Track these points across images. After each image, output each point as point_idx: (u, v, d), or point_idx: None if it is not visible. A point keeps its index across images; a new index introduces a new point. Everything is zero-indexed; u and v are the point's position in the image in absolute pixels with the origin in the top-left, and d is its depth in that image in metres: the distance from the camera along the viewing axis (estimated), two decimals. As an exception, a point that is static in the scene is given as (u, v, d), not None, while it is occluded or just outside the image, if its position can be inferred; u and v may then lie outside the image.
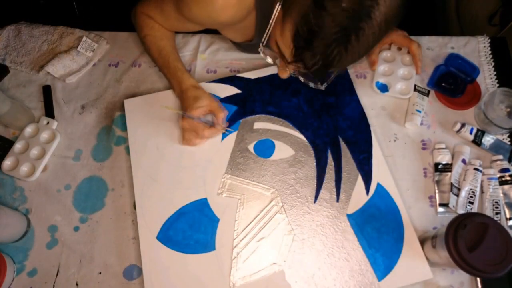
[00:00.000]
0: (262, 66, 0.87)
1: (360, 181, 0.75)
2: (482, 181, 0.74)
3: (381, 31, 0.50)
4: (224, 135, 0.79)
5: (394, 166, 0.77)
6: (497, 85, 0.84)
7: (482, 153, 0.78)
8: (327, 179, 0.75)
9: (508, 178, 0.74)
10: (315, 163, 0.77)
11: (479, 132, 0.77)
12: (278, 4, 0.57)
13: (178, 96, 0.81)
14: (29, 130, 0.82)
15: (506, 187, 0.73)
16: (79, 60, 0.89)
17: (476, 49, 0.89)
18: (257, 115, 0.81)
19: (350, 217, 0.72)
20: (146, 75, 0.88)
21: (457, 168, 0.74)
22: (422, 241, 0.69)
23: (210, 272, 0.68)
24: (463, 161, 0.75)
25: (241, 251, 0.70)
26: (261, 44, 0.65)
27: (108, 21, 0.87)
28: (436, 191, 0.74)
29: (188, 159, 0.77)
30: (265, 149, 0.78)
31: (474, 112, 0.82)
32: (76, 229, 0.74)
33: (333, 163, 0.76)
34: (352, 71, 0.86)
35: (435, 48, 0.89)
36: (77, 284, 0.70)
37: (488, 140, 0.77)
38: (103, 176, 0.78)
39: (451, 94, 0.82)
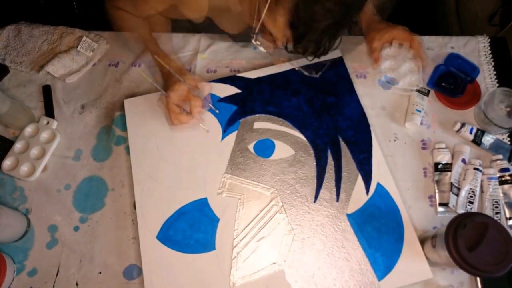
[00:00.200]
0: (262, 66, 0.87)
1: (360, 181, 0.75)
2: (482, 181, 0.74)
3: None
4: (224, 135, 0.79)
5: (394, 166, 0.77)
6: (497, 85, 0.84)
7: (482, 152, 0.78)
8: (327, 179, 0.75)
9: (508, 177, 0.74)
10: (315, 163, 0.77)
11: (479, 131, 0.77)
12: None
13: (163, 77, 0.84)
14: (29, 130, 0.82)
15: (506, 186, 0.73)
16: (79, 60, 0.89)
17: (476, 49, 0.89)
18: (257, 115, 0.81)
19: (350, 216, 0.72)
20: (146, 75, 0.88)
21: (457, 167, 0.74)
22: (422, 241, 0.69)
23: (210, 272, 0.68)
24: (463, 160, 0.75)
25: (241, 251, 0.70)
26: (253, 32, 0.65)
27: (108, 21, 0.87)
28: (436, 190, 0.74)
29: (188, 159, 0.77)
30: (265, 148, 0.78)
31: (474, 111, 0.82)
32: (76, 229, 0.74)
33: (333, 163, 0.76)
34: (352, 71, 0.86)
35: (435, 48, 0.89)
36: (77, 284, 0.70)
37: (488, 139, 0.77)
38: (103, 176, 0.78)
39: (451, 94, 0.82)
